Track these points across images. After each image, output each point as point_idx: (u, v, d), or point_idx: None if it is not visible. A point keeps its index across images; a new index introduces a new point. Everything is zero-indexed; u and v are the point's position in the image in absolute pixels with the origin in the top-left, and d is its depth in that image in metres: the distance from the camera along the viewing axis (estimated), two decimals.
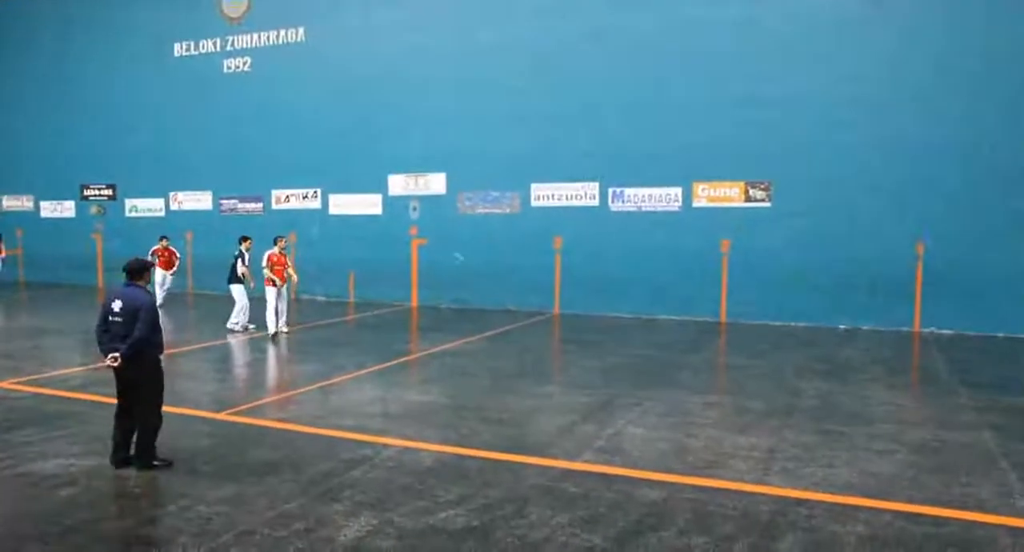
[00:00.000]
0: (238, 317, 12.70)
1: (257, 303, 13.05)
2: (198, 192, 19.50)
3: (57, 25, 21.00)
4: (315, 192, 17.96)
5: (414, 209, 16.82)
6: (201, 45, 19.08)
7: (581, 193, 15.20)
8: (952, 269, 12.62)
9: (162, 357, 5.85)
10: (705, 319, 14.17)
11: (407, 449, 6.18)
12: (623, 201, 14.88)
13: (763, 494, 5.16)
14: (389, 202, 17.10)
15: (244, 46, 18.53)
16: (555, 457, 5.97)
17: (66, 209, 21.64)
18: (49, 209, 21.95)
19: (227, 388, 8.93)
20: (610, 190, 14.97)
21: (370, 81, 16.96)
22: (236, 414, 7.34)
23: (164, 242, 16.32)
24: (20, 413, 7.28)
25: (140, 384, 5.64)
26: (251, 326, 12.84)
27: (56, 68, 21.12)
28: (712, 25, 13.97)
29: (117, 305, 5.58)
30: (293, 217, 18.12)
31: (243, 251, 12.72)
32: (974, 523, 4.69)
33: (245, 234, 13.29)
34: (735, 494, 5.16)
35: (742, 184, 13.97)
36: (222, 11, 18.74)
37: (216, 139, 18.93)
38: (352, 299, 17.53)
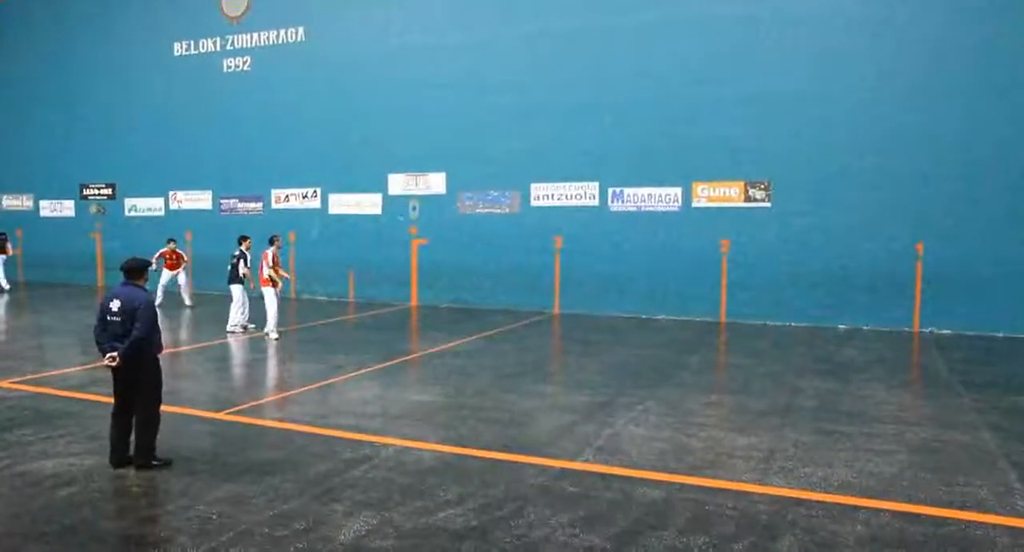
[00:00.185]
0: (237, 317, 12.67)
1: (256, 303, 13.03)
2: (198, 192, 19.50)
3: (56, 24, 21.00)
4: (315, 192, 17.96)
5: (413, 209, 16.82)
6: (201, 44, 19.08)
7: (581, 193, 15.20)
8: (952, 269, 12.62)
9: (161, 356, 5.84)
10: (705, 319, 14.18)
11: (407, 449, 6.18)
12: (623, 201, 14.89)
13: (763, 494, 5.16)
14: (389, 202, 17.10)
15: (244, 46, 18.52)
16: (555, 457, 5.97)
17: (66, 208, 21.63)
18: (49, 208, 21.94)
19: (226, 387, 8.93)
20: (610, 190, 14.97)
21: (370, 81, 16.97)
22: (236, 414, 7.34)
23: (172, 245, 16.28)
24: (19, 413, 7.28)
25: (138, 383, 5.63)
26: (251, 326, 12.83)
27: (55, 67, 21.11)
28: (711, 24, 13.97)
29: (115, 304, 5.58)
30: (293, 217, 18.13)
31: (244, 251, 12.67)
32: (973, 523, 4.68)
33: (245, 234, 13.26)
34: (734, 494, 5.16)
35: (741, 184, 13.98)
36: (222, 10, 18.73)
37: (216, 139, 18.93)
38: (352, 299, 17.53)
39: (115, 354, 5.50)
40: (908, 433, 6.65)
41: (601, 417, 7.17)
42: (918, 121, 12.74)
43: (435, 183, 16.59)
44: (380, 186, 17.14)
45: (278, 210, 18.37)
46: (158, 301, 15.74)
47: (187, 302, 16.38)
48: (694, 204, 14.34)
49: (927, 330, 12.79)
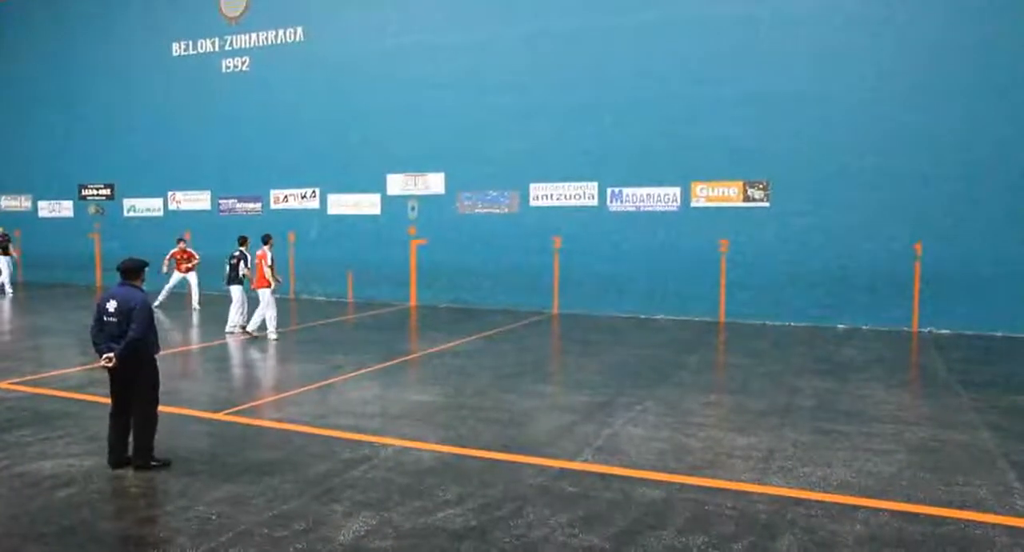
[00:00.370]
0: (236, 318, 12.65)
1: (253, 304, 12.98)
2: (197, 192, 19.49)
3: (55, 25, 20.99)
4: (313, 192, 17.96)
5: (412, 208, 16.82)
6: (200, 45, 19.07)
7: (580, 193, 15.20)
8: (951, 268, 12.63)
9: (159, 357, 5.84)
10: (704, 319, 14.18)
11: (406, 449, 6.17)
12: (621, 201, 14.89)
13: (762, 493, 5.16)
14: (388, 202, 17.09)
15: (243, 46, 18.52)
16: (554, 457, 5.97)
17: (64, 209, 21.61)
18: (47, 209, 21.93)
19: (225, 388, 8.92)
20: (608, 190, 14.97)
21: (369, 81, 16.96)
22: (234, 414, 7.33)
23: (182, 245, 16.12)
24: (18, 413, 7.27)
25: (136, 384, 5.63)
26: (252, 329, 12.80)
27: (54, 68, 21.10)
28: (710, 24, 13.98)
29: (111, 305, 5.58)
30: (292, 217, 18.12)
31: (244, 252, 12.64)
32: (972, 522, 4.69)
33: (244, 234, 13.25)
34: (734, 494, 5.16)
35: (740, 184, 13.98)
36: (221, 11, 18.73)
37: (215, 139, 18.92)
38: (351, 299, 17.53)
39: (111, 355, 5.49)
40: (907, 433, 6.65)
41: (600, 417, 7.17)
42: (917, 121, 12.74)
43: (434, 183, 16.59)
44: (379, 186, 17.13)
45: (277, 210, 18.36)
46: (157, 302, 15.69)
47: (195, 304, 16.04)
48: (693, 204, 14.34)
49: (926, 330, 12.79)
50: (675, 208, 14.47)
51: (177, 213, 19.75)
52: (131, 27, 19.90)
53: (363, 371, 9.39)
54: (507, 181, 15.81)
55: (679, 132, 14.23)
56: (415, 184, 16.79)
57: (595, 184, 15.07)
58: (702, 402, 7.80)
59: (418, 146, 16.53)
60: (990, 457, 5.99)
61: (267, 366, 10.20)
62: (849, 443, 6.34)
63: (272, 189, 18.44)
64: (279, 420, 7.07)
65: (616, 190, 14.91)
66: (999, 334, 12.28)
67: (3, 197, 22.69)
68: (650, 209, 14.66)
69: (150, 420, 5.68)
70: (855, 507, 4.92)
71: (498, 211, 15.99)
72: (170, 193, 19.86)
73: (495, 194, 15.99)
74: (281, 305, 15.76)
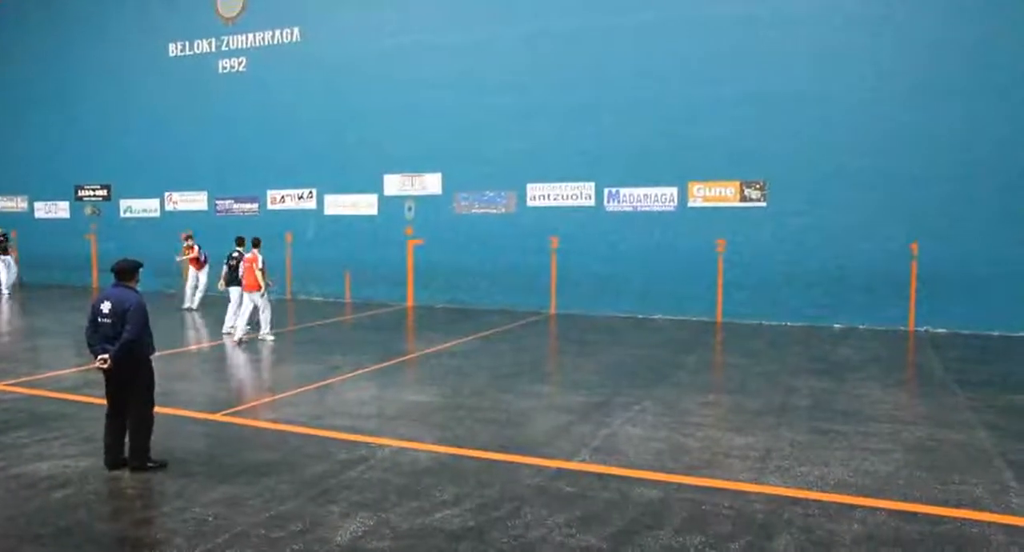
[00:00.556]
0: (233, 320, 12.59)
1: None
2: (193, 192, 19.46)
3: (51, 25, 20.95)
4: (310, 192, 17.94)
5: (409, 209, 16.81)
6: (196, 45, 19.04)
7: (577, 193, 15.21)
8: (947, 268, 12.65)
9: (154, 357, 5.83)
10: (701, 318, 14.19)
11: (403, 449, 6.17)
12: (618, 201, 14.89)
13: (759, 493, 5.16)
14: (385, 202, 17.08)
15: (239, 46, 18.49)
16: (551, 457, 5.97)
17: (60, 210, 21.57)
18: (43, 210, 21.88)
19: (222, 389, 8.91)
20: (605, 190, 14.98)
21: (365, 81, 16.95)
22: (231, 415, 7.32)
23: (188, 243, 15.91)
24: (14, 415, 7.25)
25: (131, 385, 5.62)
26: (248, 327, 12.77)
27: (50, 68, 21.06)
28: (707, 24, 13.99)
29: (106, 306, 5.57)
30: (288, 218, 18.10)
31: (242, 252, 12.58)
32: (969, 521, 4.69)
33: (242, 236, 13.19)
34: (731, 493, 5.16)
35: (737, 183, 14.00)
36: (217, 11, 18.70)
37: (211, 139, 18.89)
38: (348, 299, 17.51)
39: (106, 356, 5.48)
40: (904, 432, 6.66)
41: (598, 417, 7.17)
42: (914, 121, 12.76)
43: (431, 183, 16.58)
44: (376, 187, 17.12)
45: (274, 211, 18.34)
46: (186, 305, 15.63)
47: (194, 304, 15.85)
48: (690, 204, 14.35)
49: (922, 329, 12.82)
50: (672, 208, 14.48)
51: (174, 214, 19.71)
52: (127, 28, 19.87)
53: (360, 372, 9.38)
54: (504, 181, 15.81)
55: (676, 132, 14.24)
56: (412, 184, 16.79)
57: (592, 184, 15.08)
58: (699, 402, 7.80)
59: (415, 146, 16.52)
60: (986, 456, 6.00)
61: (264, 367, 10.19)
62: (846, 442, 6.34)
63: (269, 190, 18.42)
64: (276, 421, 7.06)
65: (613, 190, 14.92)
66: (995, 333, 12.30)
67: None
68: (647, 209, 14.66)
69: (146, 421, 5.67)
70: (852, 506, 4.93)
71: (495, 211, 15.99)
72: (167, 194, 19.83)
73: (492, 194, 15.99)
74: (278, 306, 15.75)
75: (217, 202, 19.14)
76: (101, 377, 5.74)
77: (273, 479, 5.43)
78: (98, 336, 5.58)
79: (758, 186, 13.85)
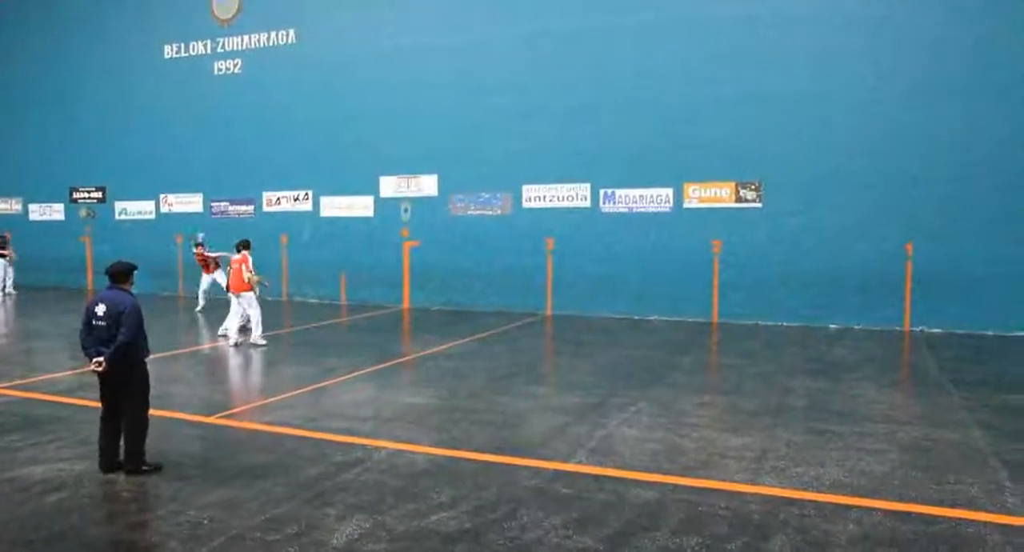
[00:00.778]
0: (232, 322, 12.54)
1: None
2: (189, 194, 19.42)
3: (46, 26, 20.89)
4: (306, 194, 17.92)
5: (405, 211, 16.80)
6: (191, 47, 19.01)
7: (572, 194, 15.22)
8: (942, 268, 12.69)
9: (148, 360, 5.81)
10: (697, 319, 14.20)
11: (399, 451, 6.16)
12: (614, 202, 14.91)
13: (755, 494, 5.17)
14: (381, 204, 17.07)
15: (235, 48, 18.47)
16: (548, 458, 5.96)
17: (55, 212, 21.51)
18: (38, 212, 21.82)
19: (218, 391, 8.89)
20: (601, 191, 14.99)
21: (361, 83, 16.94)
22: (227, 417, 7.30)
23: (199, 249, 15.33)
24: (8, 418, 7.22)
25: (126, 388, 5.60)
26: (238, 334, 12.78)
27: (45, 69, 21.00)
28: (703, 25, 14.02)
29: (100, 309, 5.55)
30: (284, 219, 18.08)
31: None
32: (964, 521, 4.70)
33: (246, 239, 13.19)
34: (727, 494, 5.16)
35: (732, 184, 14.02)
36: (212, 13, 18.67)
37: (207, 141, 18.86)
38: (344, 301, 17.49)
39: (101, 359, 5.47)
40: (899, 432, 6.68)
41: (594, 418, 7.17)
42: (910, 122, 12.80)
43: (427, 185, 16.58)
44: (372, 188, 17.11)
45: (269, 213, 18.31)
46: (199, 307, 15.51)
47: (198, 306, 15.63)
48: (685, 205, 14.37)
49: (918, 329, 12.85)
50: (667, 209, 14.49)
51: (169, 216, 19.67)
52: (122, 29, 19.82)
53: (356, 374, 9.37)
54: (500, 183, 15.81)
55: (671, 133, 14.26)
56: (408, 186, 16.77)
57: (587, 185, 15.09)
58: (695, 403, 7.80)
59: (411, 148, 16.51)
60: (981, 456, 6.01)
61: (259, 369, 10.16)
62: (842, 443, 6.35)
63: (265, 191, 18.39)
64: (271, 423, 7.05)
65: (609, 191, 14.93)
66: (990, 333, 12.34)
67: None
68: (643, 210, 14.68)
69: (141, 424, 5.65)
70: (848, 507, 4.93)
71: (491, 213, 15.99)
72: (162, 196, 19.79)
73: (488, 196, 15.98)
74: (274, 307, 15.75)
75: (212, 204, 19.10)
76: (96, 380, 5.72)
77: (269, 482, 5.42)
78: (93, 339, 5.57)
79: (753, 187, 13.88)
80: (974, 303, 12.49)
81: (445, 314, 15.53)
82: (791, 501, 5.04)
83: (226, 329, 12.36)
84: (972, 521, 4.70)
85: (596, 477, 5.53)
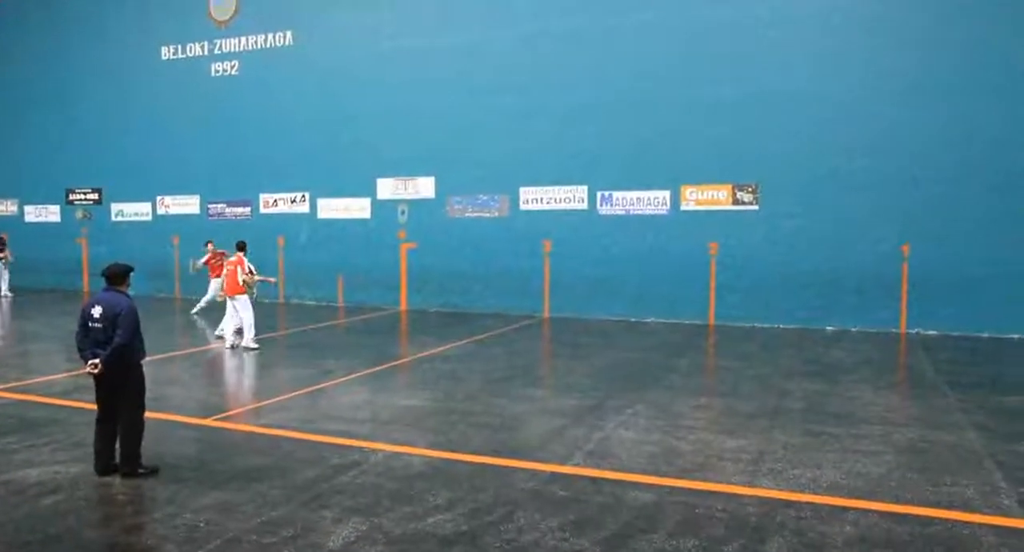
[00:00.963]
0: (228, 324, 12.51)
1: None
2: (185, 196, 19.39)
3: (43, 27, 20.86)
4: (303, 196, 17.90)
5: (402, 213, 16.80)
6: (188, 48, 19.00)
7: (569, 196, 15.23)
8: (938, 270, 12.72)
9: (145, 362, 5.80)
10: (694, 321, 14.21)
11: (396, 454, 6.15)
12: (611, 204, 14.92)
13: (752, 496, 5.17)
14: (378, 206, 17.07)
15: (232, 50, 18.46)
16: (545, 461, 5.96)
17: (51, 213, 21.47)
18: (34, 214, 21.77)
19: (214, 394, 8.87)
20: (598, 193, 15.00)
21: (358, 85, 16.94)
22: (223, 420, 7.29)
23: (211, 246, 14.97)
24: (3, 420, 7.20)
25: (122, 390, 5.59)
26: (234, 336, 12.82)
27: (41, 70, 20.96)
28: (699, 28, 14.04)
29: (97, 311, 5.54)
30: (281, 221, 18.06)
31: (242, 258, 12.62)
32: (960, 522, 4.71)
33: (243, 240, 13.21)
34: (724, 496, 5.17)
35: (729, 187, 14.04)
36: (210, 15, 18.67)
37: (204, 143, 18.84)
38: (341, 303, 17.47)
39: (97, 361, 5.46)
40: (895, 434, 6.69)
41: (591, 420, 7.17)
42: (906, 124, 12.83)
43: (424, 187, 16.58)
44: (369, 190, 17.10)
45: (266, 215, 18.30)
46: (195, 310, 15.44)
47: (201, 305, 15.45)
48: (682, 207, 14.39)
49: (914, 331, 12.88)
50: (665, 211, 14.51)
51: (166, 217, 19.65)
52: (120, 30, 19.80)
53: (353, 376, 9.36)
54: (497, 185, 15.82)
55: (669, 135, 14.28)
56: (405, 188, 16.77)
57: (585, 188, 15.10)
58: (692, 405, 7.81)
59: (408, 150, 16.51)
60: (977, 457, 6.03)
61: (256, 371, 10.15)
62: (838, 445, 6.36)
63: (262, 193, 18.38)
64: (268, 425, 7.04)
65: (606, 194, 14.95)
66: (985, 335, 12.37)
67: None
68: (640, 212, 14.69)
69: (136, 426, 5.64)
70: (844, 509, 4.94)
71: (488, 215, 15.99)
72: (159, 197, 19.76)
73: (485, 198, 15.99)
74: (271, 309, 15.74)
75: (209, 206, 19.08)
76: (92, 382, 5.71)
77: (265, 484, 5.41)
78: (89, 341, 5.56)
79: (750, 189, 13.90)
80: (970, 305, 12.52)
81: (442, 316, 15.52)
82: (788, 503, 5.04)
83: (223, 330, 12.36)
84: (967, 523, 4.71)
85: (593, 479, 5.53)
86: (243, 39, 18.30)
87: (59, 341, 12.04)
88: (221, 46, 18.57)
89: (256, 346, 11.35)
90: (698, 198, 14.28)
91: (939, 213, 12.70)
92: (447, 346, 11.58)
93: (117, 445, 5.64)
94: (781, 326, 13.58)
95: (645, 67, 14.44)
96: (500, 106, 15.57)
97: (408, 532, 4.60)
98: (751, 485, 5.39)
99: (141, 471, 5.58)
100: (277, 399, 8.16)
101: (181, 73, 19.05)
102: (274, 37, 17.96)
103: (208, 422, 7.19)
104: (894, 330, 12.98)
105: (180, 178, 19.29)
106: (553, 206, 15.40)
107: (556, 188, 15.34)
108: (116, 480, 5.51)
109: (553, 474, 5.65)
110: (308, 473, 5.65)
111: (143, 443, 5.69)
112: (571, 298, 15.23)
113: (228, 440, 6.65)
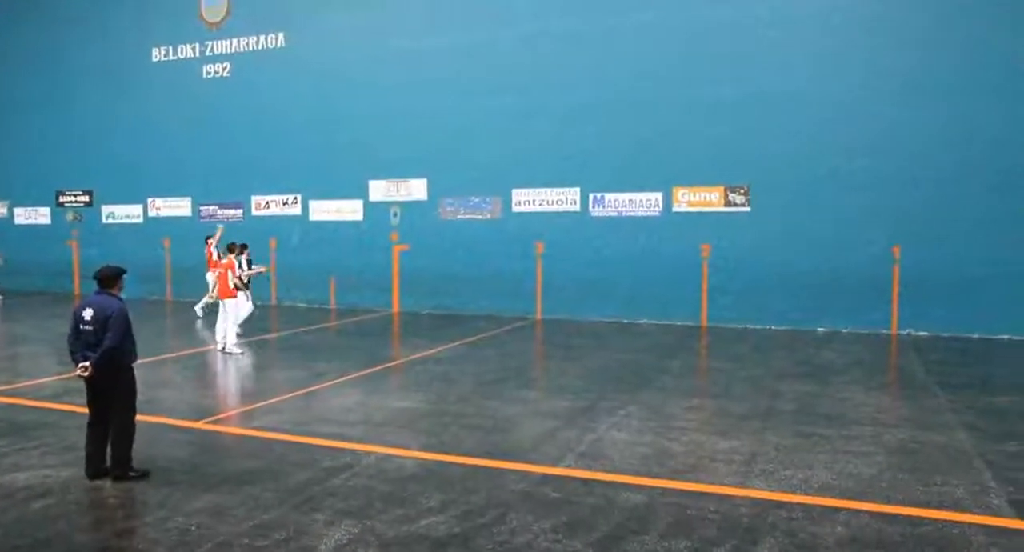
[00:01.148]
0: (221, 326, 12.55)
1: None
2: (177, 198, 19.32)
3: (33, 28, 20.75)
4: (295, 198, 17.86)
5: (395, 214, 16.78)
6: (180, 50, 18.93)
7: (562, 198, 15.25)
8: (928, 272, 12.79)
9: (137, 364, 5.78)
10: (686, 323, 14.25)
11: (388, 456, 6.14)
12: (603, 206, 14.94)
13: (744, 497, 5.19)
14: (370, 208, 17.04)
15: (224, 52, 18.41)
16: (537, 462, 5.96)
17: (41, 216, 21.35)
18: (24, 216, 21.64)
19: (206, 396, 8.84)
20: (591, 195, 15.02)
21: (350, 86, 16.92)
22: (215, 423, 7.26)
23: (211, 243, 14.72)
24: None
25: (113, 392, 5.57)
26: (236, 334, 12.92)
27: (32, 71, 20.86)
28: (691, 29, 14.09)
29: (88, 313, 5.52)
30: (273, 223, 18.01)
31: (243, 259, 12.89)
32: (950, 522, 4.74)
33: (243, 242, 13.40)
34: (716, 497, 5.18)
35: (722, 188, 14.08)
36: (201, 16, 18.61)
37: (195, 145, 18.78)
38: (333, 305, 17.43)
39: (87, 364, 5.43)
40: (886, 434, 6.72)
41: (583, 422, 7.18)
42: (899, 125, 12.90)
43: (416, 189, 16.56)
44: (361, 192, 17.08)
45: (258, 217, 18.24)
46: (199, 307, 15.36)
47: (196, 308, 15.40)
48: (675, 209, 14.42)
49: (905, 332, 12.94)
50: (657, 213, 14.54)
51: (157, 220, 19.57)
52: (111, 32, 19.71)
53: (345, 378, 9.34)
54: (489, 187, 15.82)
55: (661, 137, 14.32)
56: (397, 190, 16.76)
57: (577, 189, 15.12)
58: (684, 406, 7.83)
59: (401, 152, 16.49)
60: (967, 457, 6.06)
61: (249, 373, 10.11)
62: (830, 446, 6.39)
63: (253, 195, 18.32)
64: (260, 428, 7.01)
65: (598, 195, 14.97)
66: (975, 336, 12.44)
67: None
68: (632, 214, 14.72)
69: (128, 429, 5.62)
70: (836, 509, 4.96)
71: (480, 217, 15.99)
72: (150, 199, 19.68)
73: (477, 200, 15.99)
74: (262, 311, 15.68)
75: (201, 208, 19.01)
76: (83, 385, 5.68)
77: (257, 487, 5.39)
78: (80, 343, 5.54)
79: (742, 191, 13.95)
80: (960, 306, 12.59)
81: (435, 318, 15.51)
82: (780, 504, 5.06)
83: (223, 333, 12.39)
84: (957, 522, 4.74)
85: (585, 481, 5.54)
86: (235, 41, 18.25)
87: (49, 344, 11.97)
88: (213, 48, 18.52)
89: (239, 351, 11.14)
90: (690, 200, 14.32)
91: (930, 215, 12.77)
92: (439, 348, 11.57)
93: (108, 449, 5.62)
94: (773, 327, 13.62)
95: (637, 70, 14.46)
96: (492, 108, 15.57)
97: (400, 534, 4.59)
98: (743, 486, 5.41)
99: (132, 475, 5.56)
100: (269, 402, 8.14)
101: (172, 75, 18.98)
102: (266, 39, 17.92)
103: (200, 425, 7.16)
104: (885, 331, 13.04)
105: (171, 180, 19.22)
106: (545, 208, 15.42)
107: (548, 190, 15.36)
108: (107, 484, 5.49)
109: (545, 476, 5.65)
110: (300, 476, 5.64)
111: (134, 446, 5.66)
112: (563, 300, 15.24)
113: (220, 443, 6.63)
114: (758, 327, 13.71)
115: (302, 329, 13.97)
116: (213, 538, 4.54)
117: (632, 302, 14.67)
